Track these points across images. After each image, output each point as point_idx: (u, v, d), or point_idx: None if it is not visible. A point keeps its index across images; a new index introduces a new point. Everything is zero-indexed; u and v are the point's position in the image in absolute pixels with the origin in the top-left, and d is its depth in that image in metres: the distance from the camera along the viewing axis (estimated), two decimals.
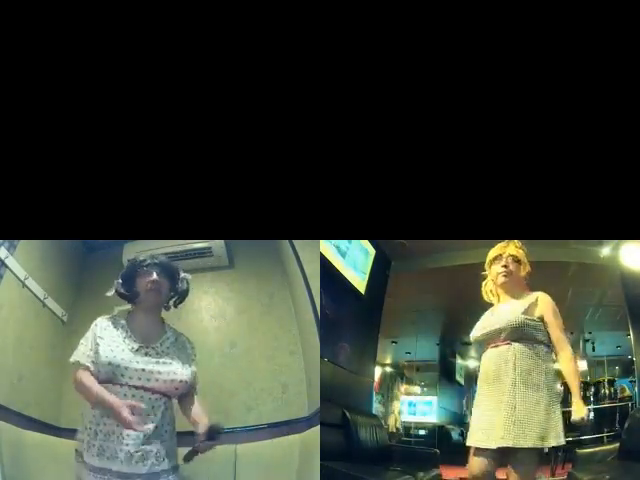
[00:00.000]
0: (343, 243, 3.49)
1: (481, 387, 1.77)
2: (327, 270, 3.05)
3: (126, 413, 1.49)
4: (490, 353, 1.77)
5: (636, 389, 4.25)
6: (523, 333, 1.72)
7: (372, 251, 4.08)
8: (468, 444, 1.74)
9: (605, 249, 3.78)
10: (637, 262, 3.62)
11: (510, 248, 1.83)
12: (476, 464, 1.69)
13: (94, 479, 1.54)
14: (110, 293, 1.78)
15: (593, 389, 4.64)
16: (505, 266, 1.81)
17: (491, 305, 1.89)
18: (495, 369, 1.72)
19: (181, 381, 1.68)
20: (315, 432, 2.19)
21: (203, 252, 3.01)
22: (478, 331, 1.83)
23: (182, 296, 1.83)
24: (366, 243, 3.98)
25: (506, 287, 1.83)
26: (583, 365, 6.00)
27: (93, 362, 1.61)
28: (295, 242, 2.64)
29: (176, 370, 1.68)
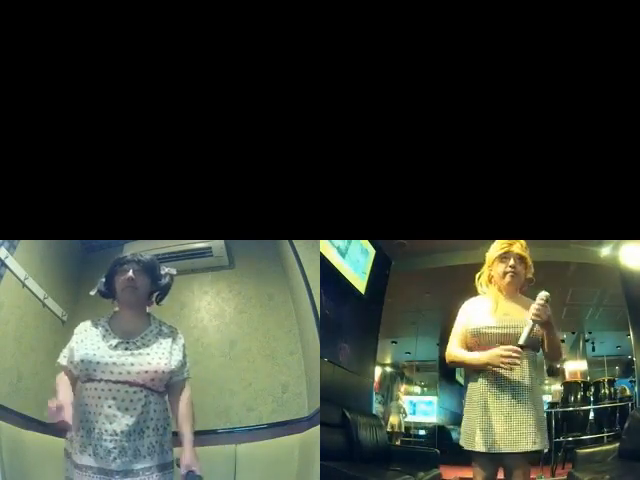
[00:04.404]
0: (343, 243, 3.49)
1: (490, 388, 1.71)
2: (327, 270, 3.05)
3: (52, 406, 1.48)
4: None
5: (636, 389, 4.25)
6: (535, 342, 1.73)
7: (372, 251, 4.08)
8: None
9: (605, 249, 3.78)
10: (637, 262, 3.62)
11: (516, 247, 1.80)
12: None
13: (79, 476, 1.55)
14: (93, 292, 1.80)
15: (593, 389, 4.64)
16: (513, 266, 1.79)
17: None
18: (509, 372, 1.68)
19: (156, 371, 1.62)
20: (315, 432, 2.19)
21: (203, 252, 3.02)
22: (489, 327, 1.74)
23: (164, 292, 1.80)
24: (366, 243, 3.98)
25: (510, 287, 1.81)
26: (583, 365, 5.98)
27: (70, 362, 1.65)
28: (295, 242, 2.64)
29: (150, 360, 1.63)
